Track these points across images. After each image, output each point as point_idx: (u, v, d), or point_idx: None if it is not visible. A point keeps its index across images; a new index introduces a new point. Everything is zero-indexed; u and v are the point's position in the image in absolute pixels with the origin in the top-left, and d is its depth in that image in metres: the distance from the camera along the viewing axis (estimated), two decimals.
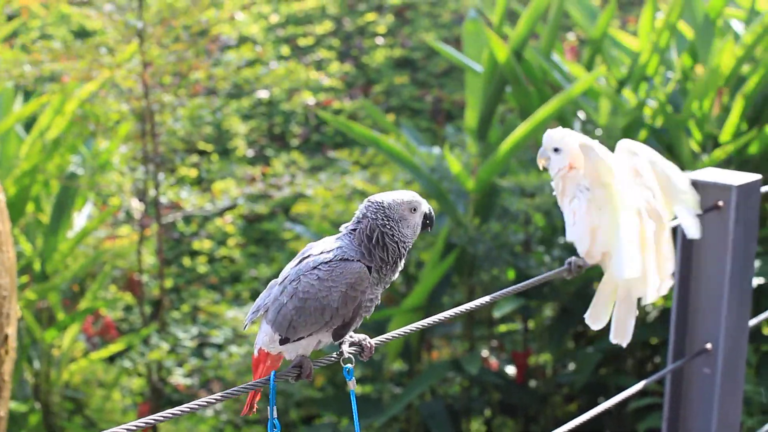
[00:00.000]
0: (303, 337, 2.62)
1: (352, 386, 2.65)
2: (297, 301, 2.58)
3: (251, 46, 8.92)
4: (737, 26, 7.27)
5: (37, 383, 7.56)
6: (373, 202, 2.65)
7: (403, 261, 2.67)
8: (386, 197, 2.66)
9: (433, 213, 2.72)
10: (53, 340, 7.48)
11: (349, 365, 2.64)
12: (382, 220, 2.63)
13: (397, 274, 2.68)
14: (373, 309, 2.67)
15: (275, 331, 2.63)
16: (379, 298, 2.69)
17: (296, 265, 2.64)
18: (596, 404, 6.93)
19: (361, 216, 2.65)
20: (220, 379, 7.94)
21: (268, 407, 2.53)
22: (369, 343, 2.72)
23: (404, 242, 2.65)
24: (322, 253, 2.63)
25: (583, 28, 7.85)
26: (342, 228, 2.68)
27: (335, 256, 2.60)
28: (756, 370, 6.22)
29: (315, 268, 2.59)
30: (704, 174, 3.74)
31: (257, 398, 2.78)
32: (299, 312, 2.58)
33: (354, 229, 2.65)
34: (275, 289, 2.65)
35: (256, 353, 2.72)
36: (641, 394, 6.28)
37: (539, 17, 7.24)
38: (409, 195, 2.68)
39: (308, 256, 2.65)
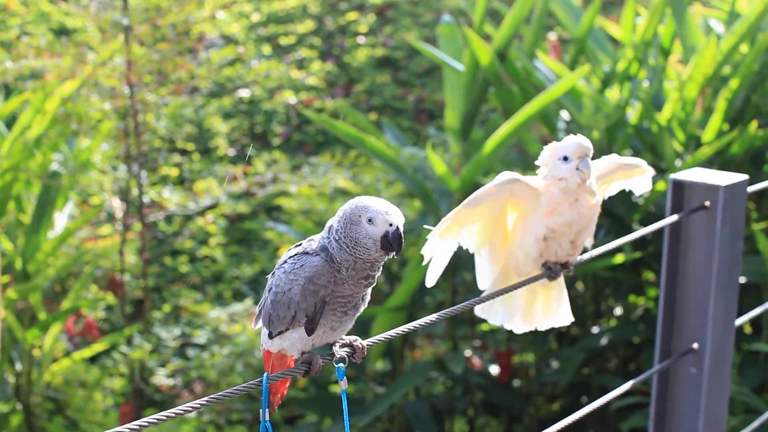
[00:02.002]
0: (282, 332, 2.61)
1: (344, 385, 2.63)
2: (272, 294, 2.59)
3: (233, 45, 8.90)
4: (717, 27, 7.29)
5: (19, 383, 7.52)
6: (351, 202, 2.57)
7: (365, 269, 2.55)
8: (361, 199, 2.55)
9: (400, 236, 2.52)
10: (35, 340, 7.44)
11: (341, 365, 2.63)
12: (339, 217, 2.55)
13: (371, 279, 2.58)
14: (353, 307, 2.61)
15: (264, 326, 2.64)
16: (364, 298, 2.64)
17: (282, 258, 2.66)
18: (579, 404, 6.94)
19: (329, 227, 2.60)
20: (203, 380, 7.91)
21: (260, 409, 2.51)
22: (360, 344, 2.71)
23: (346, 248, 2.52)
24: (299, 245, 2.62)
25: (566, 28, 7.86)
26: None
27: (301, 249, 2.59)
28: (739, 369, 6.24)
29: (285, 261, 2.60)
30: (691, 174, 3.74)
31: (280, 394, 2.77)
32: (274, 306, 2.59)
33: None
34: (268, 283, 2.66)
35: (262, 351, 2.74)
36: (625, 393, 6.29)
37: (524, 18, 7.24)
38: (379, 204, 2.53)
39: (296, 246, 2.65)
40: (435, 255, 3.18)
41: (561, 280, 3.41)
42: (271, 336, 2.64)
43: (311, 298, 2.53)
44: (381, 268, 2.60)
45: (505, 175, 3.23)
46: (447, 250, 3.21)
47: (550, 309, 3.47)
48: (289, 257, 2.59)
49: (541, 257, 3.30)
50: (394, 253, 2.52)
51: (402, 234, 2.52)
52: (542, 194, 3.24)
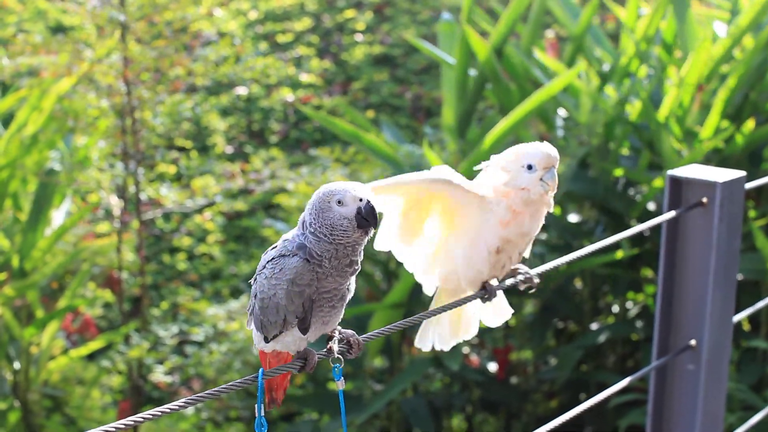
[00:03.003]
0: (277, 335, 2.60)
1: (341, 386, 2.62)
2: (259, 301, 2.57)
3: (229, 41, 8.88)
4: (720, 27, 7.28)
5: (16, 381, 7.51)
6: (318, 190, 2.53)
7: (347, 258, 2.51)
8: (326, 186, 2.51)
9: (372, 208, 2.48)
10: (32, 337, 7.43)
11: (338, 364, 2.61)
12: (309, 209, 2.51)
13: (354, 268, 2.54)
14: (340, 298, 2.57)
15: (258, 331, 2.62)
16: (350, 288, 2.60)
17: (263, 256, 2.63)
18: (577, 401, 6.94)
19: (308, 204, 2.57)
20: (201, 377, 7.91)
21: (256, 405, 2.51)
22: (357, 339, 2.69)
23: (324, 238, 2.48)
24: (274, 247, 2.59)
25: (564, 25, 7.85)
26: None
27: (277, 252, 2.55)
28: (737, 366, 6.24)
29: (264, 267, 2.56)
30: (688, 171, 3.73)
31: (282, 389, 2.75)
32: (263, 312, 2.57)
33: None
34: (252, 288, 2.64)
35: (257, 352, 2.73)
36: (622, 390, 6.29)
37: (521, 14, 7.23)
38: (344, 185, 2.49)
39: (272, 248, 2.62)
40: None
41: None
42: (267, 340, 2.63)
43: (297, 300, 2.51)
44: (362, 253, 2.56)
45: (442, 172, 3.07)
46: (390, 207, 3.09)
47: (493, 307, 3.32)
48: (267, 262, 2.56)
49: (488, 273, 3.12)
50: (371, 227, 2.49)
51: (374, 206, 2.48)
52: (494, 202, 3.05)
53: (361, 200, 2.47)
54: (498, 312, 3.34)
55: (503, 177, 3.06)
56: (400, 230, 3.14)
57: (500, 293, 3.26)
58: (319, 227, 2.48)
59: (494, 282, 3.18)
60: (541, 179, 3.01)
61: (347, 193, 2.47)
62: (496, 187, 3.07)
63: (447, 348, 3.32)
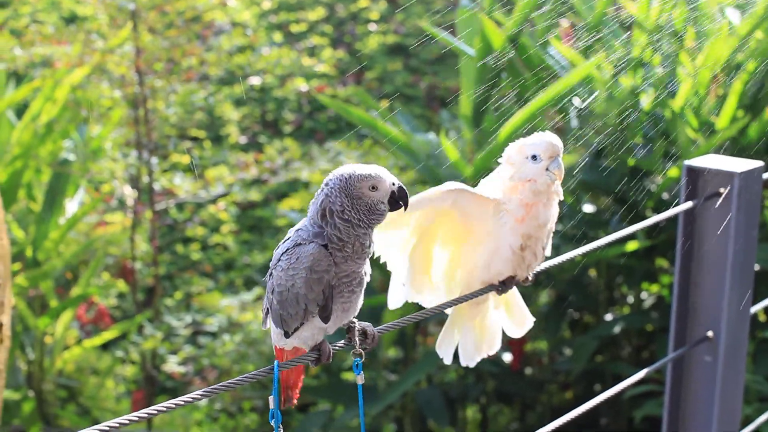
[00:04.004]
0: (298, 328, 2.58)
1: (361, 380, 2.60)
2: (277, 295, 2.54)
3: (241, 30, 8.86)
4: (732, 13, 7.23)
5: (31, 371, 7.52)
6: (333, 176, 2.52)
7: (367, 239, 2.52)
8: (346, 170, 2.51)
9: (404, 189, 2.53)
10: (46, 327, 7.43)
11: (358, 358, 2.59)
12: (337, 197, 2.50)
13: (371, 249, 2.55)
14: (358, 283, 2.56)
15: (277, 327, 2.60)
16: (367, 273, 2.58)
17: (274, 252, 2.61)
18: (592, 392, 6.91)
19: (320, 189, 2.54)
20: (215, 367, 7.90)
21: (270, 397, 2.49)
22: (373, 331, 2.67)
23: (359, 223, 2.49)
24: (287, 239, 2.57)
25: (580, 14, 7.81)
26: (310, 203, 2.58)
27: (292, 242, 2.53)
28: (753, 357, 6.20)
29: (279, 259, 2.55)
30: (706, 161, 3.70)
31: (296, 387, 2.73)
32: (282, 305, 2.54)
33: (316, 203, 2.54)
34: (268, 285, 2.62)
35: (275, 349, 2.70)
36: (638, 381, 6.25)
37: (536, 3, 7.19)
38: (371, 170, 2.50)
39: (284, 241, 2.59)
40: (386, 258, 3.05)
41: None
42: (287, 335, 2.60)
43: (317, 287, 2.50)
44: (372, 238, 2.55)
45: (451, 184, 3.00)
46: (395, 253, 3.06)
47: (514, 318, 3.29)
48: (282, 254, 2.54)
49: (510, 273, 3.07)
50: (404, 207, 2.54)
51: (405, 187, 2.54)
52: (504, 202, 3.01)
53: (393, 184, 2.52)
54: (519, 321, 3.30)
55: (509, 171, 3.02)
56: (412, 277, 3.09)
57: (521, 302, 3.25)
58: (355, 213, 2.49)
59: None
60: (546, 169, 2.97)
61: (381, 181, 2.50)
62: (504, 183, 3.03)
63: (472, 364, 3.26)
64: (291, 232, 2.59)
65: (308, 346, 2.61)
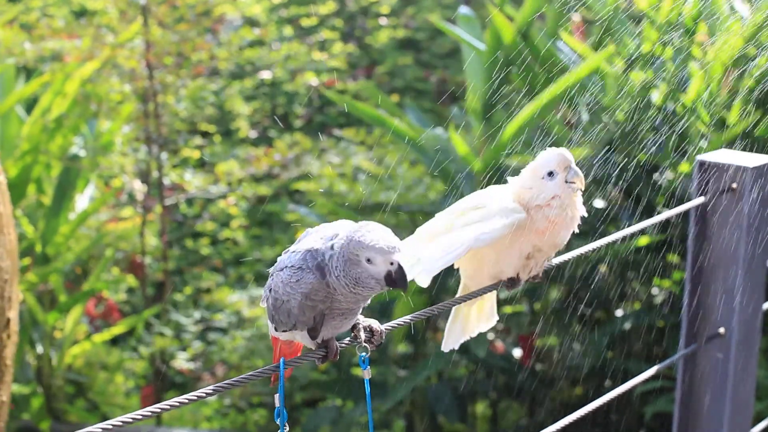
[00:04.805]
0: (286, 331, 2.57)
1: (367, 375, 2.58)
2: (272, 298, 2.53)
3: (248, 26, 8.85)
4: (742, 7, 7.19)
5: (40, 366, 7.52)
6: (348, 232, 2.43)
7: (367, 297, 2.47)
8: (354, 230, 2.41)
9: (403, 272, 2.39)
10: (55, 322, 7.43)
11: (363, 354, 2.57)
12: (337, 257, 2.42)
13: (367, 300, 2.50)
14: (352, 312, 2.53)
15: (270, 322, 2.60)
16: (357, 312, 2.55)
17: (284, 252, 2.56)
18: (603, 388, 6.88)
19: (334, 231, 2.48)
20: (225, 363, 7.89)
21: (276, 395, 2.47)
22: (379, 327, 2.64)
23: (352, 286, 2.41)
24: (297, 251, 2.51)
25: (591, 8, 7.77)
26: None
27: (297, 263, 2.47)
28: (765, 354, 6.17)
29: (283, 269, 2.50)
30: (718, 155, 3.67)
31: (293, 355, 2.73)
32: (275, 308, 2.53)
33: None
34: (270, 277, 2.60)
35: (270, 335, 2.70)
36: (649, 378, 6.22)
37: None
38: (375, 239, 2.38)
39: (295, 247, 2.55)
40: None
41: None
42: (277, 330, 2.60)
43: (309, 312, 2.47)
44: None
45: (514, 212, 3.00)
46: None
47: (485, 314, 3.33)
48: (287, 267, 2.49)
49: (512, 273, 3.11)
50: (401, 289, 2.42)
51: (404, 270, 2.39)
52: (533, 215, 3.01)
53: (392, 264, 2.39)
54: (486, 317, 3.33)
55: (525, 194, 3.03)
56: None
57: (494, 300, 3.28)
58: (344, 276, 2.41)
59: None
60: (566, 181, 2.98)
61: (378, 256, 2.38)
62: (530, 205, 3.03)
63: (456, 347, 3.34)
64: (305, 241, 2.53)
65: (303, 341, 2.61)
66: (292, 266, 2.49)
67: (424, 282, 2.97)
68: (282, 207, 10.01)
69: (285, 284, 2.47)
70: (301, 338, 2.59)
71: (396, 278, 2.39)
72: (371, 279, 2.40)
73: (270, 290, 2.54)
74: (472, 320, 3.33)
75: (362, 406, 6.77)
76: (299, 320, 2.48)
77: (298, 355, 2.71)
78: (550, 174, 2.98)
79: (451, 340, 3.33)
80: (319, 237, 2.51)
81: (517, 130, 6.61)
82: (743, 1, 7.28)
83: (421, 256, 3.03)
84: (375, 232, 2.39)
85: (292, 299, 2.46)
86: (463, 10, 7.71)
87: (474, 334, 3.34)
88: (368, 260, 2.38)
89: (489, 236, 2.95)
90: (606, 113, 6.79)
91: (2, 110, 7.45)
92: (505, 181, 3.14)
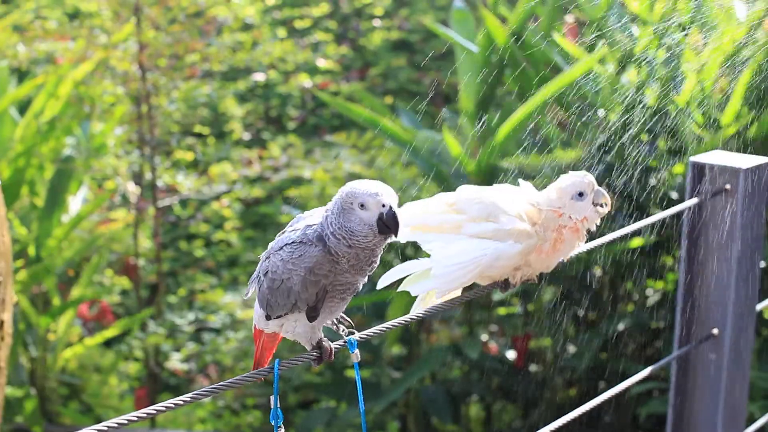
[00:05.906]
0: (281, 316, 2.56)
1: (356, 358, 2.59)
2: (268, 280, 2.53)
3: (241, 23, 8.84)
4: (739, 7, 7.20)
5: (33, 368, 7.50)
6: (342, 189, 2.48)
7: (368, 256, 2.48)
8: (350, 184, 2.46)
9: (394, 215, 2.43)
10: (49, 325, 7.41)
11: (351, 337, 2.59)
12: (334, 213, 2.46)
13: (372, 268, 2.51)
14: (351, 292, 2.55)
15: (260, 307, 2.59)
16: (359, 286, 2.56)
17: (278, 237, 2.58)
18: (597, 389, 6.88)
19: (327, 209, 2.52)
20: (218, 364, 7.88)
21: (271, 397, 2.48)
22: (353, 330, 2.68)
23: (348, 238, 2.43)
24: (294, 230, 2.54)
25: (584, 9, 7.77)
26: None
27: (298, 238, 2.50)
28: (758, 355, 6.17)
29: (281, 248, 2.52)
30: (711, 157, 3.67)
31: (270, 352, 2.72)
32: (271, 292, 2.53)
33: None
34: (261, 263, 2.60)
35: (254, 328, 2.69)
36: (642, 379, 6.22)
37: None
38: (362, 187, 2.44)
39: (291, 229, 2.57)
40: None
41: None
42: (269, 318, 2.59)
43: (312, 288, 2.48)
44: (382, 251, 2.52)
45: (529, 237, 3.01)
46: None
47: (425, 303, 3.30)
48: (286, 244, 2.51)
49: (500, 278, 3.11)
50: (392, 234, 2.45)
51: (396, 213, 2.43)
52: (543, 237, 3.03)
53: (384, 206, 2.43)
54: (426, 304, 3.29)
55: (551, 216, 3.03)
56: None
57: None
58: (339, 228, 2.44)
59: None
60: (593, 204, 3.02)
61: (370, 198, 2.42)
62: (546, 225, 3.04)
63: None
64: (300, 222, 2.56)
65: (288, 335, 2.61)
66: (292, 242, 2.50)
67: (436, 299, 3.07)
68: (275, 209, 10.00)
69: (286, 262, 2.48)
70: (293, 328, 2.58)
71: (387, 221, 2.43)
72: (365, 226, 2.43)
73: (264, 274, 2.54)
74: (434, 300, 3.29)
75: (356, 408, 6.77)
76: (300, 298, 2.48)
77: (277, 343, 2.71)
78: (581, 194, 3.01)
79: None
80: (313, 218, 2.55)
81: (510, 131, 6.61)
82: (737, 2, 7.29)
83: (434, 271, 3.09)
84: (368, 182, 2.45)
85: (293, 275, 2.47)
86: (458, 3, 7.70)
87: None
88: (361, 205, 2.43)
89: (502, 263, 2.99)
90: (599, 114, 6.80)
91: None
92: (516, 183, 3.14)
